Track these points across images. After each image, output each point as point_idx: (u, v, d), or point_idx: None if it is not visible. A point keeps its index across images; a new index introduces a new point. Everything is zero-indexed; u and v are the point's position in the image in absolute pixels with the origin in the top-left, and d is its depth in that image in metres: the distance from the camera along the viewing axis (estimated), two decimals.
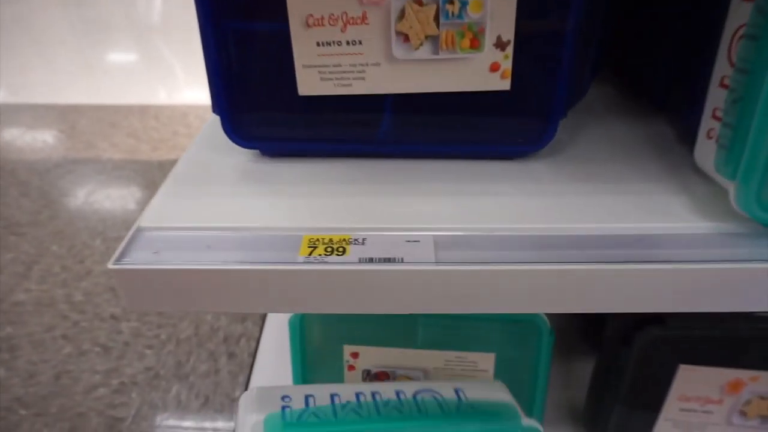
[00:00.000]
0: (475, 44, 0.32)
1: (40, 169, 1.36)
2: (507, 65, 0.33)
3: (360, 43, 0.32)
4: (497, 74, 0.33)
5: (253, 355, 0.86)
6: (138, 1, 3.00)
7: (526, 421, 0.40)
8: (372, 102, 0.34)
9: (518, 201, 0.34)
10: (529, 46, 0.32)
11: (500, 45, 0.32)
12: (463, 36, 0.32)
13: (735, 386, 0.47)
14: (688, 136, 0.40)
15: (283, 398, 0.41)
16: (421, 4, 0.31)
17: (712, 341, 0.45)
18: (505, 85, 0.33)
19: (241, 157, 0.39)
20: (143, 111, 1.58)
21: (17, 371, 0.90)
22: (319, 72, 0.33)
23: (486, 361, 0.51)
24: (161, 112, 1.56)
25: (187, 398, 0.88)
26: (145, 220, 0.33)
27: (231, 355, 0.93)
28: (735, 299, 0.30)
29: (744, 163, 0.29)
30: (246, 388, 0.79)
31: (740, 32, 0.29)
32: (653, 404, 0.50)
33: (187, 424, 0.86)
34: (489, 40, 0.32)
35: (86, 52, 2.09)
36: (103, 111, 1.58)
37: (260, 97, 0.35)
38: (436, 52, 0.32)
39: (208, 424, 0.85)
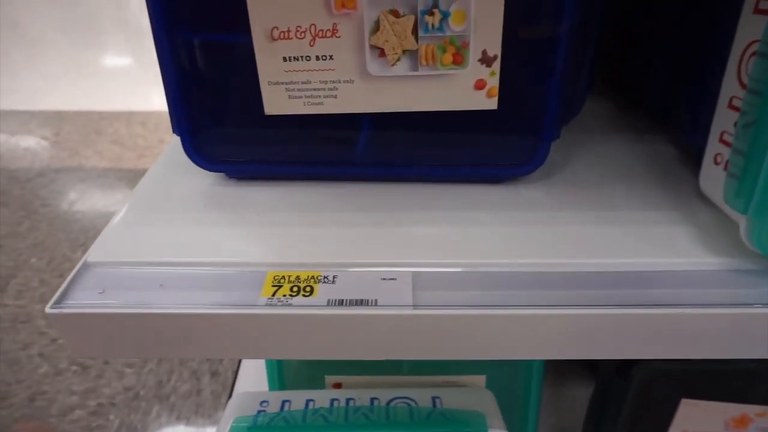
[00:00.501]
0: (458, 60, 0.29)
1: (21, 178, 1.32)
2: (494, 83, 0.30)
3: (331, 57, 0.29)
4: (483, 92, 0.30)
5: (235, 373, 0.83)
6: (130, 2, 2.96)
7: (494, 430, 0.38)
8: (347, 121, 0.31)
9: (505, 231, 0.31)
10: (518, 62, 0.29)
11: (486, 60, 0.29)
12: (444, 50, 0.29)
13: (741, 422, 0.44)
14: (691, 158, 0.37)
15: (261, 403, 0.41)
16: (397, 15, 0.28)
17: (715, 375, 0.43)
18: (492, 104, 0.30)
19: (206, 179, 0.36)
20: (129, 117, 1.54)
21: None
22: (287, 89, 0.30)
23: (476, 384, 0.49)
24: (148, 118, 1.53)
25: (168, 420, 0.84)
26: (94, 254, 0.30)
27: (214, 374, 0.90)
28: (745, 346, 0.27)
29: (758, 196, 0.26)
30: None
31: (752, 48, 0.26)
32: None
33: None
34: (473, 55, 0.29)
35: (74, 55, 2.06)
36: (88, 117, 1.54)
37: (223, 117, 0.32)
38: (415, 68, 0.29)
39: None
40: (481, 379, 0.48)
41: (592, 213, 0.32)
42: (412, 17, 0.28)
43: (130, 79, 1.82)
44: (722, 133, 0.29)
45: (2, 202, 1.24)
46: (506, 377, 0.48)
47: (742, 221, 0.27)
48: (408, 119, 0.31)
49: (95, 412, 0.83)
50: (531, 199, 0.33)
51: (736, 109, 0.27)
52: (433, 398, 0.42)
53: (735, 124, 0.27)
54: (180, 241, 0.30)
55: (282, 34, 0.29)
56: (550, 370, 0.59)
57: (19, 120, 1.54)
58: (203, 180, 0.36)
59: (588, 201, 0.33)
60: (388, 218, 0.32)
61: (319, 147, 0.33)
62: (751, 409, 0.43)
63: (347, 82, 0.30)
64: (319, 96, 0.30)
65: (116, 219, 0.33)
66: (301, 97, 0.31)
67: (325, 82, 0.30)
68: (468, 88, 0.30)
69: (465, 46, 0.29)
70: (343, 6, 0.28)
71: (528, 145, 0.33)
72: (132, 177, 1.32)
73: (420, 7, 0.28)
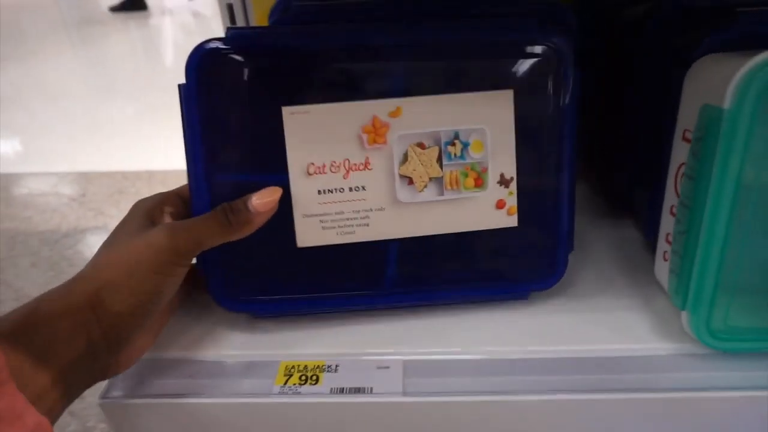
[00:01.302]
0: (479, 183, 0.32)
1: (50, 239, 1.40)
2: (512, 202, 0.33)
3: (363, 188, 0.32)
4: (503, 211, 0.33)
5: None
6: (147, 63, 3.13)
7: None
8: (376, 248, 0.33)
9: (483, 320, 0.35)
10: (532, 182, 0.33)
11: (504, 182, 0.33)
12: (466, 176, 0.32)
13: None
14: (651, 246, 0.42)
15: None
16: (423, 147, 0.32)
17: None
18: (513, 221, 0.33)
19: None
20: (150, 176, 1.63)
21: None
22: (321, 221, 0.32)
23: None
24: (167, 177, 1.61)
25: None
26: None
27: None
28: (686, 425, 0.31)
29: (692, 295, 0.30)
30: None
31: (682, 169, 0.31)
32: None
33: None
34: (492, 178, 0.33)
35: (96, 116, 2.18)
36: (111, 177, 1.63)
37: (253, 254, 0.33)
38: (441, 192, 0.32)
39: None
40: None
41: (562, 301, 0.37)
42: (437, 148, 0.32)
43: (145, 140, 1.92)
44: (667, 235, 0.34)
45: (34, 263, 1.32)
46: None
47: (683, 313, 0.32)
48: (434, 243, 0.33)
49: None
50: None
51: (674, 215, 0.32)
52: None
53: (673, 230, 0.32)
54: (206, 338, 0.35)
55: (318, 169, 0.31)
56: None
57: (49, 181, 1.63)
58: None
59: (560, 288, 0.38)
60: (385, 314, 0.36)
61: (348, 279, 0.34)
62: None
63: (378, 210, 0.32)
64: (352, 225, 0.32)
65: None
66: (334, 227, 0.32)
67: (358, 212, 0.32)
68: (490, 208, 0.33)
69: (484, 171, 0.32)
70: (375, 142, 0.31)
71: (548, 259, 0.35)
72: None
73: (443, 140, 0.32)
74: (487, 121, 0.32)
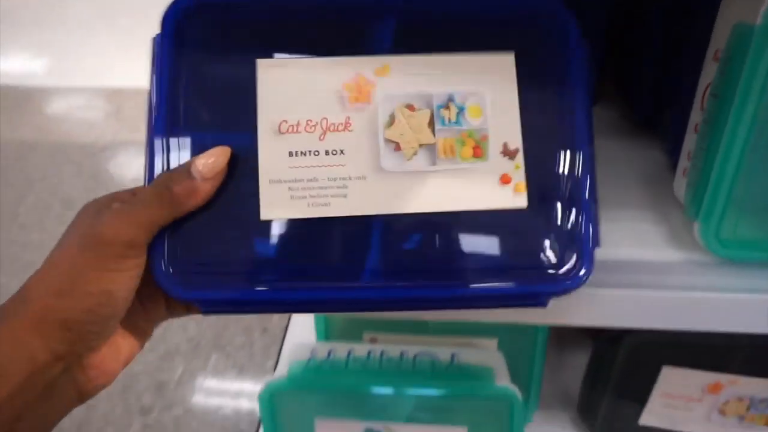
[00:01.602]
0: (479, 153, 0.28)
1: (89, 151, 1.46)
2: (519, 177, 0.28)
3: (342, 152, 0.27)
4: (509, 187, 0.28)
5: (285, 328, 0.94)
6: None
7: (501, 383, 0.47)
8: (355, 227, 0.27)
9: None
10: (543, 155, 0.28)
11: (508, 153, 0.28)
12: (463, 144, 0.28)
13: (715, 388, 0.52)
14: (673, 166, 0.44)
15: (311, 350, 0.51)
16: (413, 109, 0.28)
17: (694, 346, 0.50)
18: (521, 201, 0.28)
19: None
20: None
21: None
22: (290, 189, 0.27)
23: (489, 345, 0.57)
24: None
25: (224, 366, 0.97)
26: None
27: (264, 330, 1.02)
28: (695, 320, 0.35)
29: (705, 206, 0.33)
30: (277, 359, 0.88)
31: (709, 90, 0.33)
32: (639, 399, 0.54)
33: (223, 387, 0.95)
34: (494, 148, 0.28)
35: (129, 34, 2.18)
36: (144, 94, 1.66)
37: (206, 229, 0.27)
38: (433, 161, 0.28)
39: (242, 389, 0.94)
40: (493, 342, 0.57)
41: None
42: (428, 111, 0.28)
43: None
44: (689, 153, 0.36)
45: (76, 172, 1.39)
46: (515, 341, 0.56)
47: (696, 224, 0.34)
48: (426, 224, 0.27)
49: (164, 357, 0.97)
50: None
51: (698, 132, 0.35)
52: (452, 354, 0.51)
53: (695, 146, 0.35)
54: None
55: (291, 128, 0.27)
56: (554, 337, 0.67)
57: (85, 96, 1.67)
58: None
59: None
60: None
61: (319, 265, 0.27)
62: (724, 378, 0.51)
63: (359, 178, 0.27)
64: (326, 195, 0.27)
65: None
66: (305, 197, 0.27)
67: (335, 179, 0.27)
68: (493, 183, 0.28)
69: (484, 139, 0.28)
70: (357, 100, 0.27)
71: (569, 252, 0.28)
72: None
73: (435, 102, 0.28)
74: (486, 84, 0.28)
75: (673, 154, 0.42)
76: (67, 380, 0.26)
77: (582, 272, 0.28)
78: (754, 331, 0.35)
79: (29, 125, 1.56)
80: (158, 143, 0.27)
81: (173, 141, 0.27)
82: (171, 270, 0.27)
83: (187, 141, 0.27)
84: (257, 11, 0.29)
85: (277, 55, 0.28)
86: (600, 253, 0.32)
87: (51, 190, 1.33)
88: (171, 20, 0.28)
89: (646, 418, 0.56)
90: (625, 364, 0.52)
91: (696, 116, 0.35)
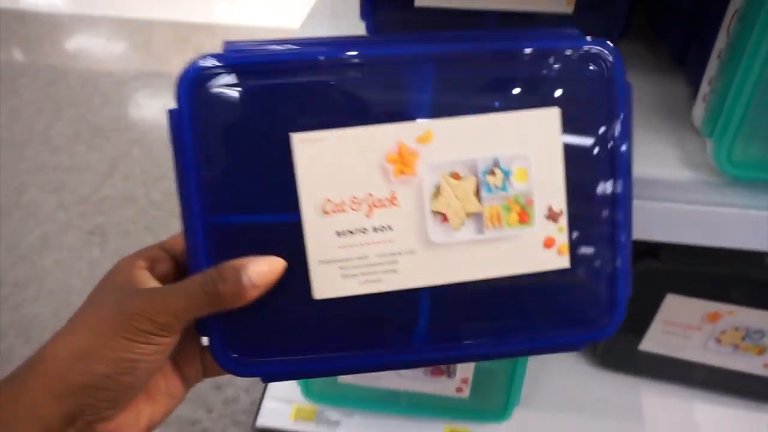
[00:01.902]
0: (525, 218, 0.28)
1: (118, 80, 1.48)
2: (563, 239, 0.28)
3: (390, 228, 0.27)
4: (553, 250, 0.28)
5: None
6: None
7: None
8: (405, 300, 0.28)
9: None
10: (584, 215, 0.28)
11: (552, 216, 0.28)
12: (509, 210, 0.27)
13: (714, 317, 0.55)
14: (696, 96, 0.46)
15: None
16: (458, 178, 0.27)
17: (697, 276, 0.53)
18: (564, 262, 0.28)
19: None
20: (210, 30, 1.66)
21: (108, 254, 1.06)
22: (341, 268, 0.27)
23: None
24: (226, 32, 1.64)
25: None
26: None
27: None
28: (702, 234, 0.38)
29: (719, 125, 0.35)
30: None
31: (737, 14, 0.35)
32: (642, 326, 0.58)
33: None
34: (539, 212, 0.28)
35: None
36: (172, 27, 1.67)
37: (260, 308, 0.27)
38: (480, 230, 0.27)
39: None
40: None
41: None
42: (474, 179, 0.27)
43: None
44: (710, 78, 0.38)
45: (105, 100, 1.42)
46: None
47: (709, 144, 0.37)
48: (472, 290, 0.28)
49: None
50: None
51: (720, 58, 0.36)
52: None
53: (717, 70, 0.37)
54: None
55: (335, 207, 0.26)
56: None
57: (114, 27, 1.69)
58: None
59: None
60: None
61: (372, 335, 0.28)
62: (724, 308, 0.54)
63: (408, 253, 0.27)
64: (377, 272, 0.27)
65: None
66: (356, 275, 0.27)
67: (384, 256, 0.27)
68: (538, 248, 0.28)
69: (530, 203, 0.27)
70: (402, 173, 0.26)
71: (604, 304, 0.30)
72: None
73: (481, 168, 0.27)
74: (532, 144, 0.27)
75: (696, 85, 0.43)
76: None
77: (616, 319, 0.30)
78: (758, 247, 0.38)
79: (60, 53, 1.59)
80: (196, 227, 0.26)
81: (214, 227, 0.26)
82: (232, 353, 0.27)
83: (228, 226, 0.26)
84: (283, 74, 0.26)
85: (311, 127, 0.26)
86: None
87: (80, 117, 1.36)
88: (187, 92, 0.25)
89: (646, 344, 0.59)
90: (632, 290, 0.55)
91: (720, 42, 0.37)
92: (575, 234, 0.28)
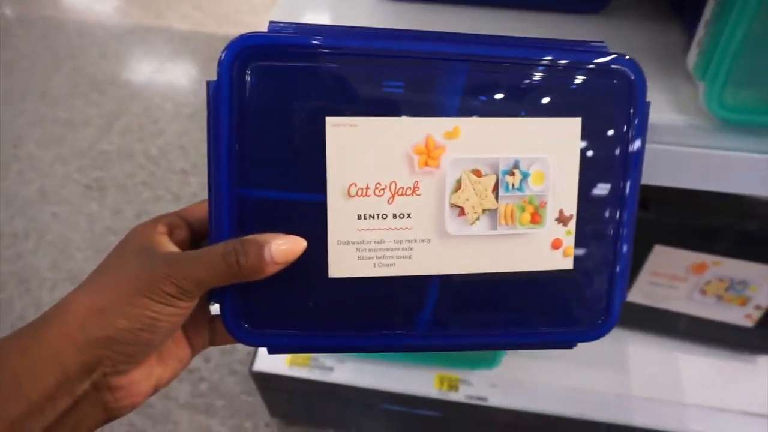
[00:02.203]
0: (537, 219, 0.29)
1: (114, 34, 1.46)
2: (569, 242, 0.30)
3: (409, 216, 0.28)
4: (559, 252, 0.30)
5: None
6: None
7: None
8: (415, 286, 0.29)
9: None
10: (591, 221, 0.30)
11: (563, 220, 0.29)
12: (523, 210, 0.29)
13: (699, 268, 0.56)
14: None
15: None
16: (479, 174, 0.28)
17: (685, 227, 0.54)
18: (568, 264, 0.30)
19: None
20: None
21: (106, 207, 1.07)
22: (357, 250, 0.28)
23: None
24: None
25: None
26: None
27: None
28: (691, 176, 0.39)
29: (711, 68, 0.36)
30: None
31: None
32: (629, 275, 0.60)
33: None
34: (551, 214, 0.29)
35: None
36: None
37: (275, 281, 0.27)
38: (494, 227, 0.29)
39: None
40: None
41: None
42: (494, 177, 0.28)
43: None
44: (706, 22, 0.38)
45: (102, 53, 1.40)
46: None
47: (701, 88, 0.37)
48: (478, 283, 0.30)
49: None
50: None
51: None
52: None
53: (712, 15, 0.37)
54: None
55: (360, 191, 0.28)
56: None
57: None
58: None
59: None
60: None
61: (378, 317, 0.30)
62: (709, 259, 0.55)
63: (423, 241, 0.28)
64: (392, 257, 0.28)
65: None
66: (372, 258, 0.28)
67: (401, 242, 0.28)
68: (545, 248, 0.29)
69: (543, 206, 0.29)
70: (427, 164, 0.28)
71: (600, 307, 0.31)
72: (212, 42, 1.44)
73: (501, 168, 0.28)
74: (551, 150, 0.29)
75: (692, 34, 0.44)
76: (95, 398, 0.25)
77: (610, 323, 0.31)
78: (747, 190, 0.39)
79: (56, 4, 1.56)
80: (223, 198, 0.27)
81: (240, 199, 0.27)
82: (243, 322, 0.29)
83: (254, 200, 0.27)
84: (326, 59, 0.27)
85: (344, 112, 0.27)
86: None
87: (78, 70, 1.35)
88: (228, 67, 0.26)
89: (632, 295, 0.61)
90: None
91: None
92: (581, 238, 0.30)
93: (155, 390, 0.28)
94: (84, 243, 1.01)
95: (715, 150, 0.37)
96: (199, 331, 0.30)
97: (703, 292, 0.58)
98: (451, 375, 0.63)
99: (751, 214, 0.53)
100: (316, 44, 0.27)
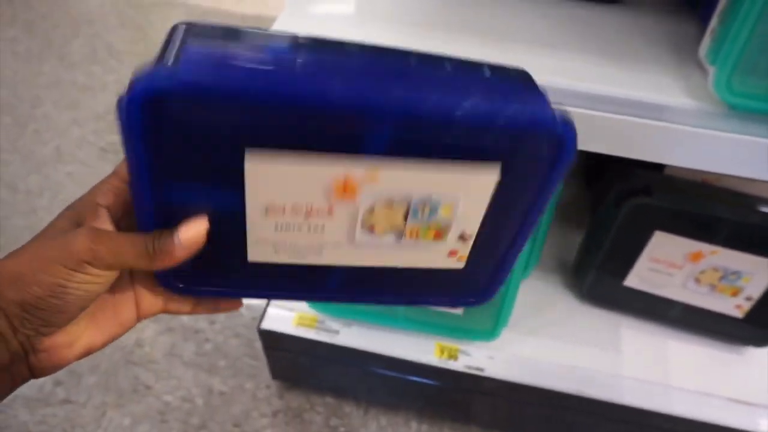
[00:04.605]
0: (439, 236, 0.32)
1: (133, 3, 1.48)
2: (464, 251, 0.34)
3: (323, 228, 0.31)
4: (454, 258, 0.34)
5: None
6: None
7: None
8: (324, 267, 0.34)
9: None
10: (488, 240, 0.33)
11: (463, 238, 0.33)
12: (428, 228, 0.32)
13: (696, 256, 0.59)
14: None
15: None
16: (391, 206, 0.30)
17: (686, 215, 0.56)
18: (459, 265, 0.35)
19: None
20: None
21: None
22: (274, 247, 0.32)
23: None
24: None
25: None
26: None
27: None
28: (696, 157, 0.41)
29: (722, 53, 0.38)
30: None
31: None
32: (628, 262, 0.62)
33: None
34: (453, 234, 0.32)
35: None
36: None
37: (205, 258, 0.30)
38: (399, 240, 0.32)
39: None
40: None
41: (617, 60, 0.45)
42: (405, 205, 0.30)
43: None
44: (720, 12, 0.40)
45: (121, 22, 1.42)
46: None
47: (711, 73, 0.39)
48: (381, 270, 0.34)
49: None
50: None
51: None
52: None
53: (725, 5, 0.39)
54: None
55: (278, 209, 0.29)
56: (558, 216, 0.74)
57: None
58: None
59: (616, 55, 0.45)
60: None
61: (293, 281, 0.35)
62: (707, 248, 0.58)
63: (334, 245, 0.32)
64: (305, 254, 0.32)
65: None
66: (286, 251, 0.32)
67: (313, 246, 0.32)
68: (443, 255, 0.34)
69: (447, 229, 0.32)
70: (343, 197, 0.29)
71: (479, 289, 0.38)
72: (231, 19, 1.45)
73: (414, 201, 0.30)
74: (464, 191, 0.30)
75: (706, 25, 0.46)
76: (23, 357, 0.27)
77: (487, 297, 0.38)
78: (750, 174, 0.41)
79: None
80: (148, 210, 0.28)
81: (162, 206, 0.28)
82: (177, 282, 0.33)
83: (176, 208, 0.29)
84: (240, 99, 0.25)
85: (262, 144, 0.26)
86: (621, 93, 0.40)
87: (97, 36, 1.37)
88: (135, 111, 0.24)
89: (630, 280, 0.64)
90: (623, 224, 0.59)
91: None
92: (476, 248, 0.33)
93: (87, 352, 0.30)
94: None
95: (723, 132, 0.40)
96: (149, 295, 0.32)
97: (698, 281, 0.61)
98: (451, 345, 0.65)
99: (752, 206, 0.56)
100: (231, 85, 0.25)
